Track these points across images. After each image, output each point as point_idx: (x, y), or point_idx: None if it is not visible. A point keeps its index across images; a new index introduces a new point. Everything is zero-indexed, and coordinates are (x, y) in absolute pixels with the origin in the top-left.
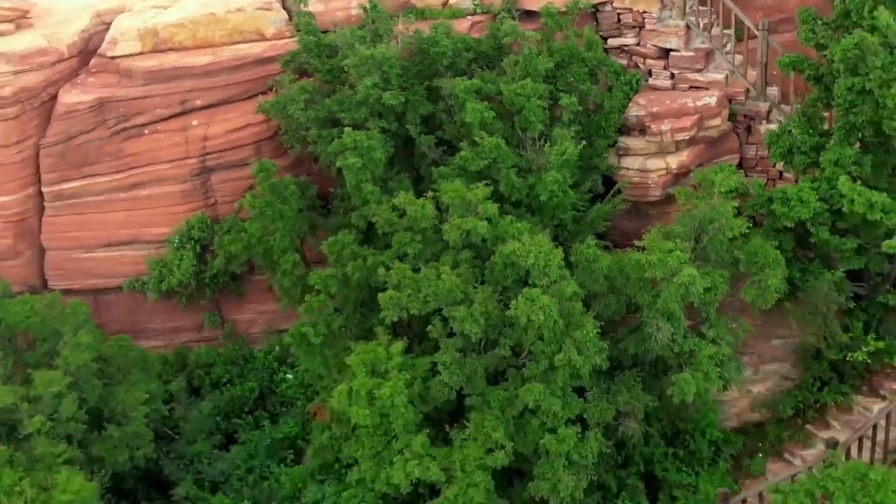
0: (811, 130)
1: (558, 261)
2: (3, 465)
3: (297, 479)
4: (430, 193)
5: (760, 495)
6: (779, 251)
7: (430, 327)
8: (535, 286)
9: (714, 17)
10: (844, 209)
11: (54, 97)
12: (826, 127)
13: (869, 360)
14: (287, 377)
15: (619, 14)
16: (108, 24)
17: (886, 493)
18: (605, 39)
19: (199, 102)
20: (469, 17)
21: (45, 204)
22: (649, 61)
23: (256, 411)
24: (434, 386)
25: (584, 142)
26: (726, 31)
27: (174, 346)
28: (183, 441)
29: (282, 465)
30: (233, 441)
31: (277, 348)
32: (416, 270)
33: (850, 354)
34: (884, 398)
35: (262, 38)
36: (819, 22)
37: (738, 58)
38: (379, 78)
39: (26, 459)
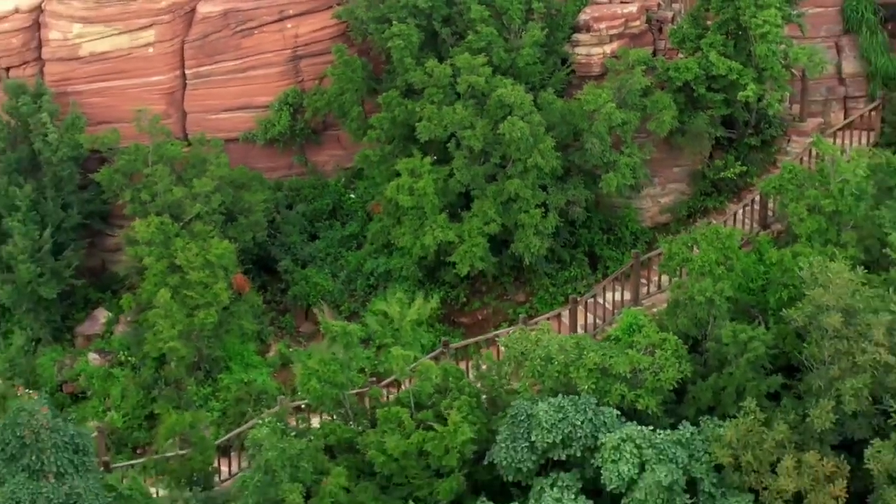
0: (696, 26)
1: (529, 101)
2: (175, 236)
3: (359, 259)
4: (447, 63)
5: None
6: (673, 101)
7: (448, 144)
8: (513, 116)
9: None
10: (714, 73)
11: (194, 9)
12: (707, 23)
13: (736, 179)
14: (351, 197)
15: None
16: None
17: (731, 242)
18: None
19: (291, 12)
20: None
21: (187, 81)
22: None
23: (330, 219)
24: (451, 183)
25: (546, 35)
26: None
27: (273, 178)
28: (283, 235)
29: (349, 251)
30: (316, 238)
31: (343, 179)
32: (438, 110)
33: (723, 174)
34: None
35: None
36: None
37: None
38: None
39: (188, 234)
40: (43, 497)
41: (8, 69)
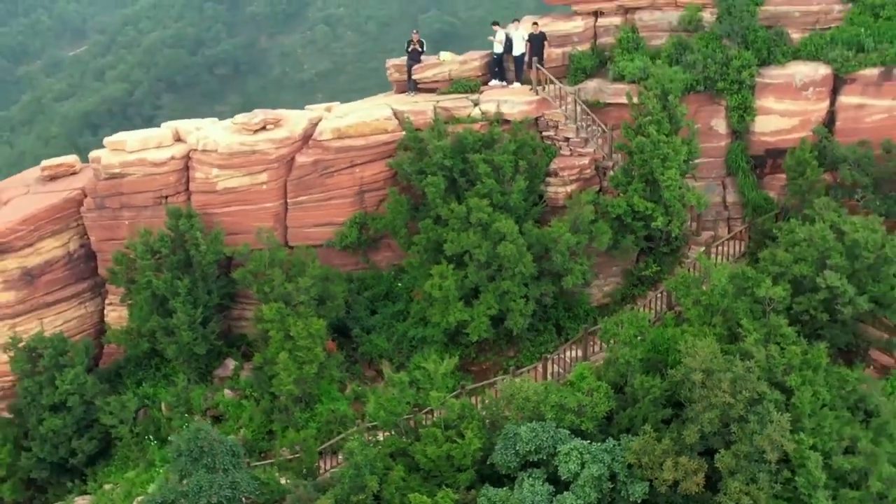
0: (626, 176)
1: (516, 230)
2: (286, 316)
3: (405, 328)
4: (463, 203)
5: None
6: (609, 227)
7: (464, 257)
8: (506, 240)
9: (589, 123)
10: (637, 209)
11: (293, 159)
12: (633, 174)
13: (653, 276)
14: (398, 285)
15: (547, 121)
16: (316, 124)
17: (644, 322)
18: (540, 132)
19: (358, 161)
20: (479, 122)
21: (288, 207)
22: (560, 143)
23: (385, 300)
24: (466, 282)
25: (527, 181)
26: (593, 128)
27: (346, 272)
28: (354, 311)
29: (397, 322)
30: (375, 313)
31: (394, 273)
32: (458, 234)
33: (644, 272)
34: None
35: (387, 132)
36: (630, 129)
37: (600, 141)
38: (441, 153)
39: (296, 314)
40: (216, 485)
41: (167, 197)
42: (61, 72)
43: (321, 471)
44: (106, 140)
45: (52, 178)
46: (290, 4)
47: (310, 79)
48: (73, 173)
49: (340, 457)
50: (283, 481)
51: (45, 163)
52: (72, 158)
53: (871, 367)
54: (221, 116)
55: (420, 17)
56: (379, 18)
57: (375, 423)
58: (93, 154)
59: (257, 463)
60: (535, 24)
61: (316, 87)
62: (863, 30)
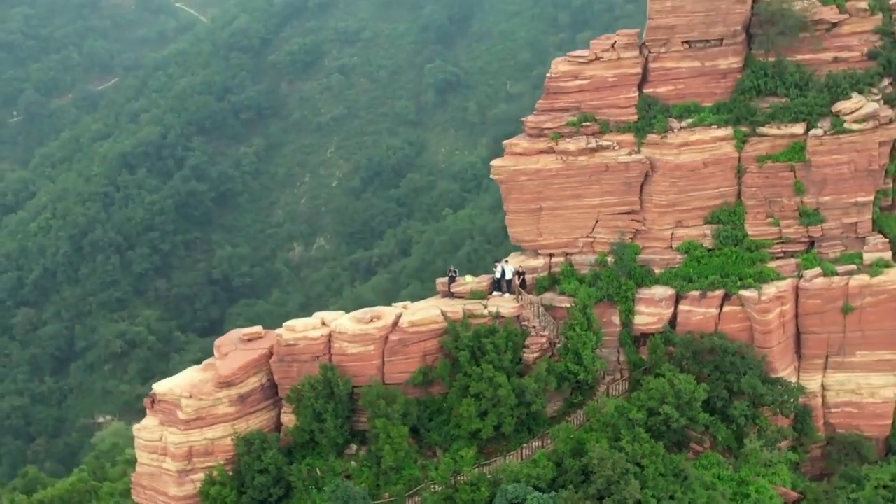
0: (565, 349)
1: (507, 381)
2: (387, 425)
3: (448, 429)
4: (479, 366)
5: None
6: (555, 378)
7: (480, 393)
8: (501, 387)
9: (546, 318)
10: (570, 369)
11: (387, 337)
12: (569, 348)
13: (579, 402)
14: (444, 406)
15: (523, 317)
16: (399, 316)
17: None
18: (520, 323)
19: (423, 339)
20: (487, 317)
21: (385, 362)
22: (530, 328)
23: (437, 415)
24: (480, 407)
25: (512, 352)
26: (548, 320)
27: (415, 398)
28: (421, 422)
29: (444, 426)
30: (431, 421)
31: (442, 399)
32: (476, 383)
33: (575, 401)
34: None
35: (437, 323)
36: (567, 323)
37: (553, 328)
38: (467, 338)
39: None
40: None
41: (318, 356)
42: (94, 108)
43: None
44: (284, 324)
45: (249, 340)
46: (308, 54)
47: (326, 122)
48: (260, 337)
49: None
50: None
51: (244, 332)
52: (259, 329)
53: (690, 453)
54: (246, 157)
55: (426, 67)
56: (389, 68)
57: (435, 482)
58: (277, 331)
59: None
60: (519, 266)
61: (332, 130)
62: (691, 269)
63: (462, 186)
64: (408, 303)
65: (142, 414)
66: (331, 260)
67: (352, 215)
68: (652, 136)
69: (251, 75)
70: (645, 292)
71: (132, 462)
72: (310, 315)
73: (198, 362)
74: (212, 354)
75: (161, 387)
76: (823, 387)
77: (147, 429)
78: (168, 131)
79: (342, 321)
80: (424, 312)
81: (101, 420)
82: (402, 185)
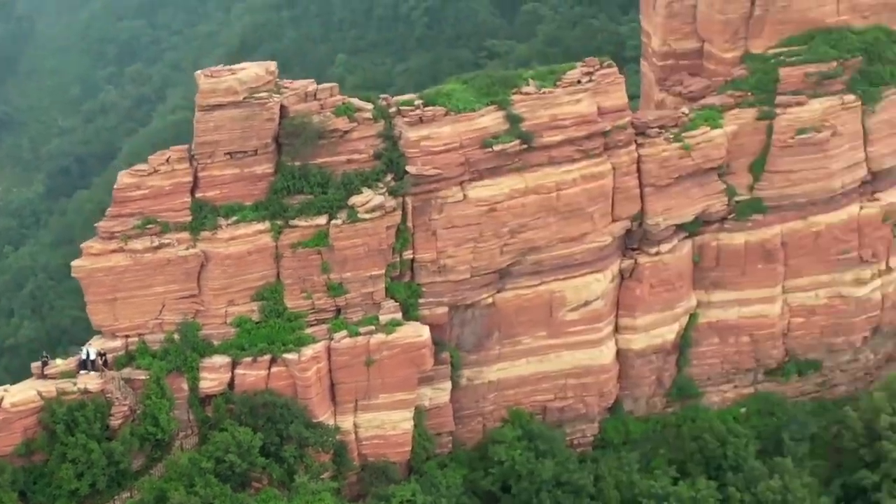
0: (144, 415)
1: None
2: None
3: None
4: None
5: None
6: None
7: None
8: None
9: (126, 389)
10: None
11: None
12: (146, 413)
13: None
14: None
15: (108, 390)
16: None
17: None
18: (105, 396)
19: None
20: (75, 394)
21: None
22: (115, 399)
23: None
24: None
25: (104, 423)
26: (128, 391)
27: None
28: None
29: None
30: None
31: None
32: None
33: None
34: None
35: (35, 402)
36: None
37: (132, 397)
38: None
39: None
40: None
41: None
42: None
43: None
44: None
45: None
46: None
47: None
48: None
49: None
50: None
51: None
52: None
53: (252, 490)
54: None
55: None
56: None
57: None
58: None
59: None
60: (101, 347)
61: None
62: (243, 340)
63: (21, 223)
64: (8, 385)
65: None
66: None
67: None
68: (205, 233)
69: None
70: (207, 361)
71: None
72: None
73: None
74: None
75: None
76: (355, 425)
77: None
78: None
79: None
80: (23, 394)
81: None
82: None
